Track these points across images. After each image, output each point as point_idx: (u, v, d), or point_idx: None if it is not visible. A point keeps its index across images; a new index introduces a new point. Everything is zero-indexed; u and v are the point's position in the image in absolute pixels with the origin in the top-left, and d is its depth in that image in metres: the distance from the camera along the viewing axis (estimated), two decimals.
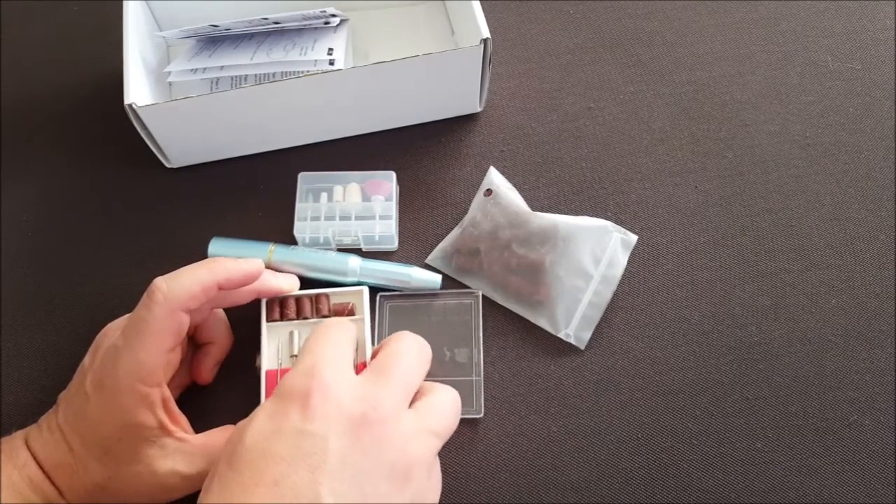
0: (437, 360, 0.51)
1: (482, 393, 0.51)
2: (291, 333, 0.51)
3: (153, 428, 0.43)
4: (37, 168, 0.61)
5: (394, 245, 0.56)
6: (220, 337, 0.51)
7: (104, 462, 0.42)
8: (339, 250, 0.55)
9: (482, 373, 0.51)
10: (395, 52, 0.54)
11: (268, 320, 0.51)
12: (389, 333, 0.51)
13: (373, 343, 0.51)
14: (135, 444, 0.42)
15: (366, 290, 0.52)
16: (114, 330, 0.46)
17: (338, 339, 0.40)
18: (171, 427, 0.44)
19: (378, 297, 0.53)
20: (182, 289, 0.43)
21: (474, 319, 0.53)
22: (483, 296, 0.53)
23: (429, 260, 0.55)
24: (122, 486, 0.43)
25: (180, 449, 0.44)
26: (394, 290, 0.54)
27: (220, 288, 0.45)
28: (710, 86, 0.63)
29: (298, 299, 0.52)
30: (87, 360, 0.45)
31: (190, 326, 0.45)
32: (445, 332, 0.52)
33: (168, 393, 0.44)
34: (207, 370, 0.50)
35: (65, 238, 0.58)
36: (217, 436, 0.46)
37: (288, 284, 0.51)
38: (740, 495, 0.48)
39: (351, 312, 0.51)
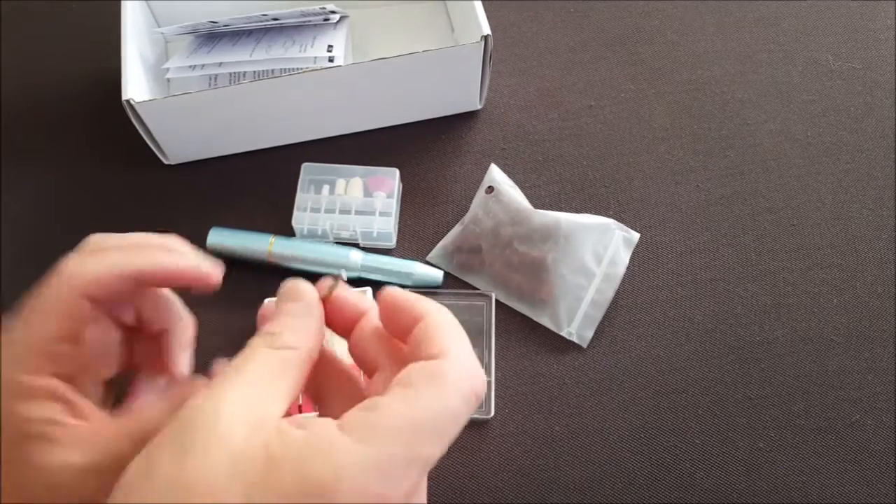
0: None
1: (493, 394, 0.50)
2: None
3: (36, 420, 0.34)
4: (35, 165, 0.60)
5: (391, 242, 0.56)
6: (172, 322, 0.41)
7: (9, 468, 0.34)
8: (337, 244, 0.55)
9: (493, 373, 0.51)
10: (395, 48, 0.54)
11: None
12: None
13: None
14: (11, 440, 0.34)
15: (369, 290, 0.51)
16: None
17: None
18: (61, 418, 0.35)
19: None
20: (87, 273, 0.36)
21: (486, 321, 0.52)
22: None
23: (430, 257, 0.55)
24: None
25: (74, 435, 0.34)
26: (401, 286, 0.53)
27: (140, 283, 0.37)
28: (711, 84, 0.62)
29: None
30: None
31: (116, 315, 0.38)
32: None
33: (63, 387, 0.35)
34: (173, 363, 0.41)
35: (63, 235, 0.57)
36: (129, 419, 0.35)
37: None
38: (742, 495, 0.48)
39: None
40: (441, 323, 0.31)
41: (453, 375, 0.28)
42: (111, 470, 0.30)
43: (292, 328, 0.31)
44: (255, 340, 0.31)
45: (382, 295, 0.32)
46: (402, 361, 0.30)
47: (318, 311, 0.33)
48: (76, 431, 0.34)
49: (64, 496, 0.33)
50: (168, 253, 0.38)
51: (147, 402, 0.39)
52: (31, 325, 0.35)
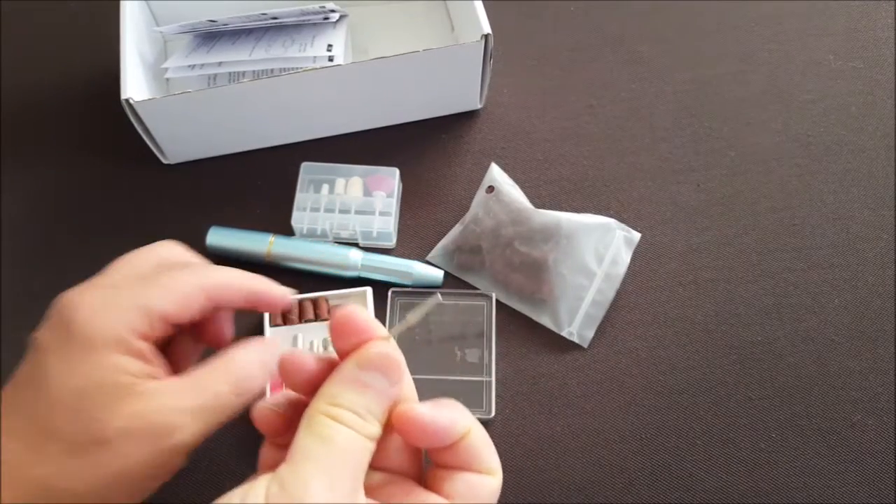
0: (448, 359, 0.51)
1: (493, 394, 0.50)
2: (295, 337, 0.50)
3: (133, 373, 0.35)
4: (34, 165, 0.60)
5: (391, 242, 0.55)
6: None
7: (73, 428, 0.33)
8: (337, 244, 0.55)
9: (493, 373, 0.51)
10: (395, 48, 0.53)
11: (270, 325, 0.51)
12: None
13: None
14: (113, 394, 0.34)
15: (369, 290, 0.51)
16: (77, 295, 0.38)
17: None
18: (148, 375, 0.36)
19: (389, 293, 0.53)
20: (216, 274, 0.38)
21: (487, 321, 0.52)
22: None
23: (430, 257, 0.55)
24: (97, 461, 0.33)
25: (172, 385, 0.35)
26: (401, 286, 0.53)
27: (246, 300, 0.39)
28: (711, 84, 0.62)
29: (300, 302, 0.51)
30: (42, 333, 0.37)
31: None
32: (457, 332, 0.52)
33: (150, 350, 0.37)
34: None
35: (62, 235, 0.57)
36: (213, 369, 0.37)
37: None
38: (744, 495, 0.48)
39: None
40: (487, 438, 0.33)
41: (498, 491, 0.33)
42: (215, 410, 0.35)
43: (378, 414, 0.31)
44: (343, 415, 0.30)
45: (413, 414, 0.32)
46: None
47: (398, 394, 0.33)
48: (173, 383, 0.35)
49: (165, 443, 0.34)
50: (270, 284, 0.40)
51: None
52: (150, 294, 0.36)
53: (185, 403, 0.34)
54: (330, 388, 0.31)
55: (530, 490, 0.48)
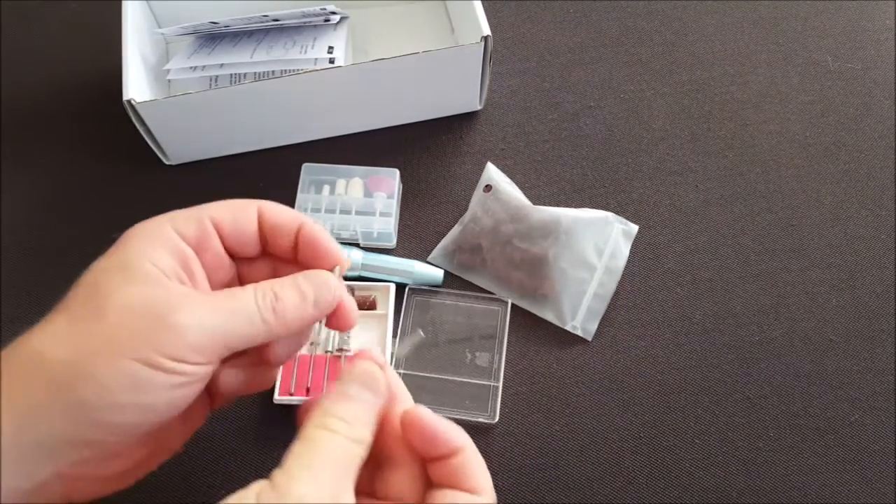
0: (457, 361, 0.51)
1: (499, 400, 0.50)
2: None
3: (164, 270, 0.34)
4: (35, 165, 0.60)
5: (392, 243, 0.56)
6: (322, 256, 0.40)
7: (79, 302, 0.33)
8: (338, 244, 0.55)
9: (501, 379, 0.51)
10: (395, 49, 0.54)
11: None
12: (413, 328, 0.52)
13: (394, 337, 0.51)
14: (132, 277, 0.34)
15: (392, 286, 0.52)
16: None
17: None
18: (187, 281, 0.36)
19: (406, 290, 0.53)
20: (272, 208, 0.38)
21: (500, 327, 0.52)
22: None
23: (430, 258, 0.55)
24: (108, 350, 0.31)
25: (195, 290, 0.35)
26: (405, 286, 0.54)
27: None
28: (710, 85, 0.63)
29: None
30: None
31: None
32: (469, 334, 0.52)
33: (194, 258, 0.36)
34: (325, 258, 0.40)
35: (63, 236, 0.57)
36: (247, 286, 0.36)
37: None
38: (742, 494, 0.48)
39: (372, 306, 0.51)
40: (479, 460, 0.34)
41: None
42: (233, 313, 0.33)
43: (366, 422, 0.33)
44: (330, 422, 0.32)
45: (418, 413, 0.34)
46: (418, 462, 0.35)
47: (383, 405, 0.35)
48: (183, 286, 0.35)
49: (164, 318, 0.32)
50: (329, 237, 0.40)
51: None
52: (205, 206, 0.37)
53: (200, 294, 0.34)
54: (322, 403, 0.33)
55: (529, 488, 0.48)
